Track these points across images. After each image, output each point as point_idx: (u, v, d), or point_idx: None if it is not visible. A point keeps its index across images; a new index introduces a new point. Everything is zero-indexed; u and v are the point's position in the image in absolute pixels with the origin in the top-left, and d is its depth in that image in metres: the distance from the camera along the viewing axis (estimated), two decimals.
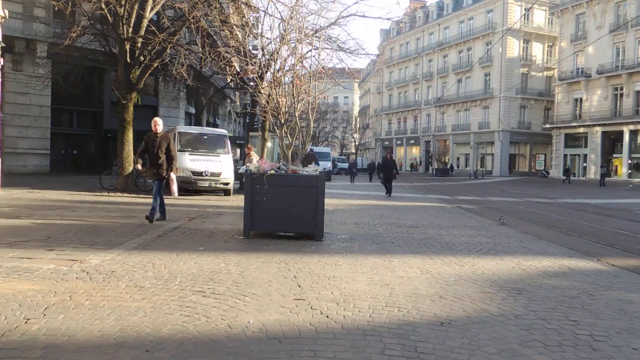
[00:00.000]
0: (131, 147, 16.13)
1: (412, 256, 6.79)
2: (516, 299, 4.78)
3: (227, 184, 15.94)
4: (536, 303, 4.65)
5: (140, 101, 18.94)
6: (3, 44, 15.09)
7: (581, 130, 46.00)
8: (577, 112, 46.94)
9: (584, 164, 46.12)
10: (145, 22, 15.58)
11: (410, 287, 5.07)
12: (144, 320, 3.77)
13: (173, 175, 9.28)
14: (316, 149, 41.01)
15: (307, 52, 12.72)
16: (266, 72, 14.15)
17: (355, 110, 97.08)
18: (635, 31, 40.89)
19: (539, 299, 4.79)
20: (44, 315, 3.81)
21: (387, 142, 78.12)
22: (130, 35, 15.32)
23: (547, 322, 4.08)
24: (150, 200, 9.34)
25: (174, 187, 9.50)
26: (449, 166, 56.41)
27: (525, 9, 53.10)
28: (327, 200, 8.81)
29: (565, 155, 48.24)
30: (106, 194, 14.77)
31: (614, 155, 43.51)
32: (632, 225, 12.11)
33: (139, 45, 15.66)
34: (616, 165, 43.10)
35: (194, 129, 18.64)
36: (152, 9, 15.51)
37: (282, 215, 7.75)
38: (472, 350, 3.42)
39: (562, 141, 48.51)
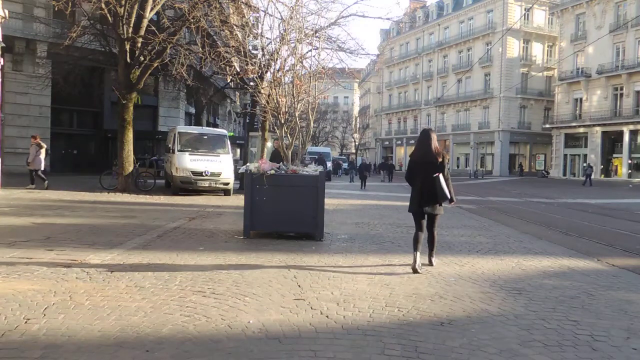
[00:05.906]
0: (131, 147, 16.16)
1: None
2: (516, 299, 4.79)
3: (227, 184, 15.95)
4: (536, 303, 4.65)
5: (140, 101, 18.95)
6: (3, 44, 15.09)
7: (581, 130, 45.96)
8: (577, 112, 46.89)
9: (584, 164, 46.09)
10: (145, 22, 15.58)
11: (410, 287, 5.07)
12: (144, 320, 3.78)
13: None
14: (316, 149, 40.91)
15: (307, 52, 12.71)
16: (266, 72, 14.12)
17: (355, 110, 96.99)
18: (635, 31, 40.86)
19: (539, 299, 4.79)
20: (44, 315, 3.81)
21: (387, 142, 78.06)
22: (130, 35, 15.32)
23: (547, 322, 4.08)
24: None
25: None
26: None
27: (525, 9, 53.03)
28: (327, 200, 8.80)
29: (565, 155, 48.22)
30: (106, 194, 14.76)
31: (614, 155, 43.47)
32: (632, 225, 12.10)
33: (139, 45, 15.65)
34: (616, 165, 43.06)
35: (194, 129, 18.64)
36: (152, 9, 15.51)
37: (282, 215, 7.74)
38: (472, 350, 3.42)
39: (562, 141, 48.46)
